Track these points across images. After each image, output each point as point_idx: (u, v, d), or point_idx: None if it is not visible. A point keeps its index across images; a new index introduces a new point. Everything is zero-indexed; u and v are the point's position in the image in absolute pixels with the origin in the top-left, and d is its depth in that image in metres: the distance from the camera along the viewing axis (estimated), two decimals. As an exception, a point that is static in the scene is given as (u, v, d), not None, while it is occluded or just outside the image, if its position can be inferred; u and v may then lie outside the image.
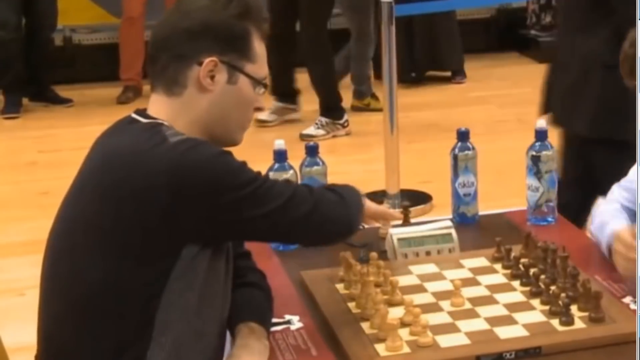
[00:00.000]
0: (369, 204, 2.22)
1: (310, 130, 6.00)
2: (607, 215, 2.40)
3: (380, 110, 5.73)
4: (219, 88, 1.99)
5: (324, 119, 6.07)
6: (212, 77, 1.98)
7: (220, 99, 2.00)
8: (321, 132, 6.04)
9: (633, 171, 2.49)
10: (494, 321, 2.10)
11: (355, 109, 6.46)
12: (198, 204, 1.88)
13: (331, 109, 6.08)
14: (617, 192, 2.49)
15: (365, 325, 2.10)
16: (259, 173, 1.99)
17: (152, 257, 1.89)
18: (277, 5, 5.74)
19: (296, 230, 2.02)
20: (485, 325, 2.09)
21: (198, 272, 1.93)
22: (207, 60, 1.97)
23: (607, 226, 2.36)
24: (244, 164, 1.96)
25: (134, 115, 2.03)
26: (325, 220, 2.04)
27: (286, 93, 6.22)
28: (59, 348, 1.97)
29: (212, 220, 1.91)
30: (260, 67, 2.04)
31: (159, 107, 2.02)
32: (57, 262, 1.99)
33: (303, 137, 5.87)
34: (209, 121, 2.01)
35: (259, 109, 2.09)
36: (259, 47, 2.03)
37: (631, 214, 2.42)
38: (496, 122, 6.22)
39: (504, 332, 2.06)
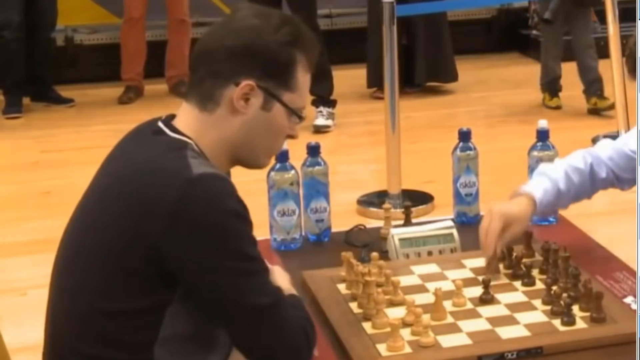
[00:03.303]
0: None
1: (321, 121, 6.03)
2: (549, 168, 2.43)
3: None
4: (251, 112, 1.94)
5: (325, 110, 6.10)
6: (247, 100, 1.93)
7: (252, 123, 1.95)
8: (330, 122, 6.08)
9: (629, 135, 2.46)
10: (496, 321, 2.10)
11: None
12: (188, 248, 1.82)
13: (330, 100, 6.15)
14: (605, 152, 2.46)
15: (366, 325, 2.10)
16: (262, 259, 1.90)
17: (150, 288, 1.86)
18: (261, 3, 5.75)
19: (257, 339, 1.86)
20: (486, 326, 2.09)
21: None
22: (244, 83, 1.91)
23: (536, 178, 2.40)
24: (254, 241, 1.88)
25: (161, 125, 1.97)
26: (286, 350, 1.87)
27: None
28: (64, 351, 1.96)
29: (190, 273, 1.84)
30: (299, 97, 1.98)
31: (188, 119, 1.97)
32: (68, 264, 1.97)
33: (319, 128, 5.95)
34: (236, 143, 1.96)
35: (291, 137, 2.03)
36: (302, 78, 1.97)
37: (611, 176, 2.43)
38: (498, 122, 6.22)
39: (506, 332, 2.06)
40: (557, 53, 6.43)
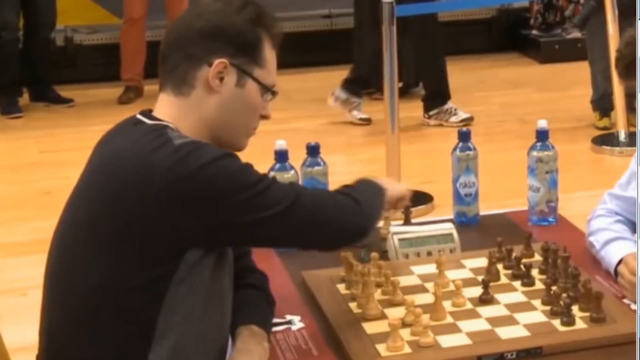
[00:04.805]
0: (392, 193, 2.19)
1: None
2: (610, 233, 2.38)
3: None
4: (226, 90, 2.00)
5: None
6: (221, 79, 1.99)
7: (228, 101, 2.00)
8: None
9: (624, 178, 2.47)
10: (495, 321, 2.10)
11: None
12: (198, 208, 1.87)
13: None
14: (610, 202, 2.48)
15: (366, 326, 2.10)
16: (264, 175, 1.98)
17: (152, 261, 1.88)
18: None
19: (300, 235, 2.00)
20: (486, 326, 2.09)
21: (203, 276, 1.92)
22: (217, 62, 1.97)
23: (613, 244, 2.35)
24: (247, 165, 1.95)
25: (139, 116, 2.02)
26: (333, 226, 2.00)
27: None
28: (60, 349, 1.97)
29: (212, 225, 1.89)
30: (269, 73, 2.04)
31: (165, 107, 2.02)
32: (59, 263, 1.99)
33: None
34: (215, 124, 2.00)
35: (264, 117, 2.08)
36: (269, 54, 2.04)
37: (628, 224, 2.42)
38: (497, 122, 6.22)
39: (505, 333, 2.06)
40: (604, 65, 5.71)
